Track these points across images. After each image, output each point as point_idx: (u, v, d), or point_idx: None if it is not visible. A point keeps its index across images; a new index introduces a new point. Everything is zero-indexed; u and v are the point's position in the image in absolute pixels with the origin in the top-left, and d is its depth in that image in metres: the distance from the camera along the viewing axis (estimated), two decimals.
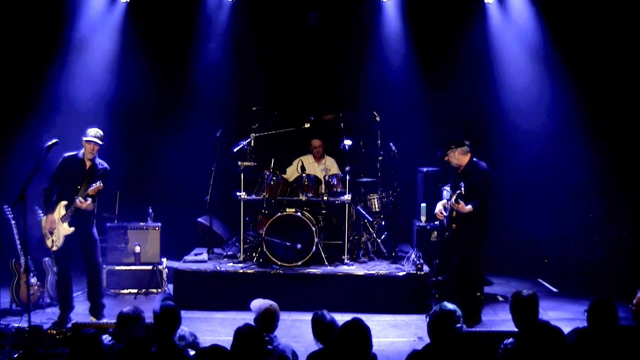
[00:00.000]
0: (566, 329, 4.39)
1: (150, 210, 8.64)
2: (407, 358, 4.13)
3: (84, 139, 6.85)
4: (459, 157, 6.99)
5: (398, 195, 8.89)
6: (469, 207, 6.71)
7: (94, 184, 6.71)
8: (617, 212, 8.59)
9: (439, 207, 7.23)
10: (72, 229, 6.84)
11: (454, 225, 6.90)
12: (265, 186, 8.14)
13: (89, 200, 6.74)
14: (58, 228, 6.84)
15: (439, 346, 4.03)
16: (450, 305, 4.16)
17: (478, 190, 6.76)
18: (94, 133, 6.87)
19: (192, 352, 4.29)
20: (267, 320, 4.65)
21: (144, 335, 4.61)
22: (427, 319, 4.19)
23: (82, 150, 6.92)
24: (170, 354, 4.20)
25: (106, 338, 4.59)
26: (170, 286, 8.00)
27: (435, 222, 7.86)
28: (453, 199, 6.70)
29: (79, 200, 6.70)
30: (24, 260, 7.13)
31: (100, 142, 6.88)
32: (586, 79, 8.83)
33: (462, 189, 6.55)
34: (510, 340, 4.19)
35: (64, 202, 6.83)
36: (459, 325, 4.07)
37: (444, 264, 7.34)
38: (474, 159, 7.02)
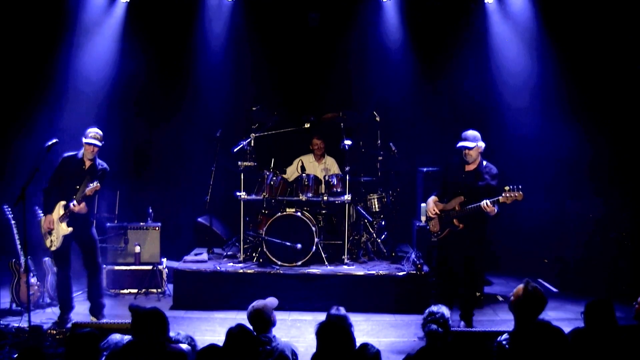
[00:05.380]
0: (566, 329, 4.39)
1: (150, 210, 8.64)
2: None
3: (84, 140, 6.84)
4: (477, 154, 6.74)
5: (398, 195, 8.89)
6: (496, 209, 6.50)
7: (90, 184, 6.69)
8: (617, 212, 8.59)
9: (431, 204, 6.95)
10: (71, 229, 6.83)
11: (461, 225, 6.69)
12: (265, 186, 8.14)
13: (83, 203, 6.73)
14: (57, 228, 6.84)
15: (432, 347, 4.04)
16: (433, 307, 4.24)
17: (494, 192, 6.59)
18: (93, 134, 6.84)
19: (184, 347, 4.25)
20: (260, 320, 4.65)
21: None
22: None
23: (82, 150, 6.92)
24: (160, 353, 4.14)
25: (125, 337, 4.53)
26: (170, 286, 8.00)
27: None
28: (489, 201, 6.41)
29: (72, 204, 6.70)
30: (24, 260, 7.13)
31: (100, 144, 6.87)
32: (585, 78, 8.84)
33: (508, 194, 6.31)
34: (505, 336, 4.19)
35: (63, 202, 6.82)
36: (431, 326, 4.11)
37: (442, 265, 7.09)
38: (484, 161, 6.82)
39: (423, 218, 8.38)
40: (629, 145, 8.72)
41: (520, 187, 6.36)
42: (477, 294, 7.69)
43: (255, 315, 4.68)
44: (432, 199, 6.99)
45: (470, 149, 6.70)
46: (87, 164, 6.92)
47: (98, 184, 6.72)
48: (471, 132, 6.78)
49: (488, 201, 6.44)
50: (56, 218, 6.83)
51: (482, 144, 6.75)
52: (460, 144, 6.73)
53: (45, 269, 7.67)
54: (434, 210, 6.91)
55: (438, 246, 7.04)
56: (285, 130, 8.58)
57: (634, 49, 8.52)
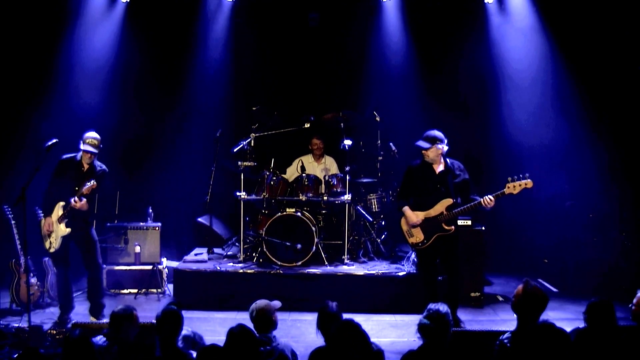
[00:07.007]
0: (566, 329, 4.38)
1: (150, 210, 8.64)
2: (402, 357, 4.15)
3: (81, 146, 6.84)
4: (438, 155, 6.59)
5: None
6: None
7: (87, 183, 6.67)
8: (617, 212, 8.59)
9: (414, 216, 6.69)
10: (69, 229, 6.83)
11: (452, 227, 6.56)
12: (265, 186, 8.14)
13: (84, 200, 6.71)
14: (55, 229, 6.84)
15: (432, 346, 4.05)
16: (432, 305, 4.27)
17: (470, 185, 6.61)
18: (90, 141, 6.82)
19: (194, 354, 4.29)
20: (262, 320, 4.66)
21: (138, 335, 4.59)
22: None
23: (80, 154, 6.91)
24: (173, 357, 4.19)
25: (100, 339, 4.59)
26: (170, 286, 8.00)
27: None
28: (491, 196, 6.29)
29: (73, 200, 6.69)
30: (24, 260, 7.13)
31: (97, 150, 6.86)
32: (586, 78, 8.84)
33: (514, 183, 6.20)
34: (507, 335, 4.19)
35: (62, 203, 6.82)
36: (422, 320, 4.16)
37: (428, 272, 6.88)
38: (448, 159, 6.69)
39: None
40: (629, 146, 8.71)
41: (527, 174, 6.27)
42: (477, 293, 7.70)
43: (258, 314, 4.68)
44: (408, 209, 6.77)
45: (424, 149, 6.58)
46: (86, 167, 6.93)
47: (95, 183, 6.68)
48: (431, 133, 6.61)
49: (490, 196, 6.32)
50: (55, 219, 6.83)
51: (442, 146, 6.55)
52: (416, 143, 6.63)
53: (45, 269, 7.68)
54: (418, 220, 6.69)
55: (420, 254, 6.85)
56: (285, 130, 8.58)
57: (634, 48, 8.52)
